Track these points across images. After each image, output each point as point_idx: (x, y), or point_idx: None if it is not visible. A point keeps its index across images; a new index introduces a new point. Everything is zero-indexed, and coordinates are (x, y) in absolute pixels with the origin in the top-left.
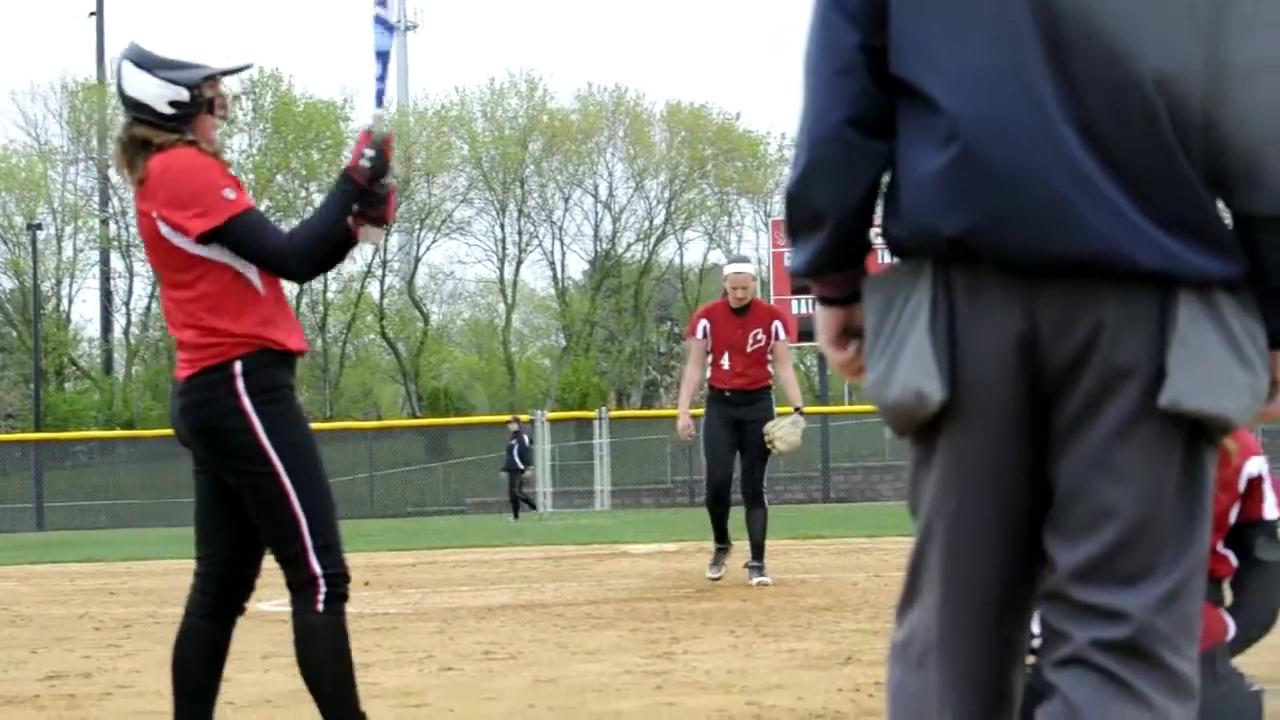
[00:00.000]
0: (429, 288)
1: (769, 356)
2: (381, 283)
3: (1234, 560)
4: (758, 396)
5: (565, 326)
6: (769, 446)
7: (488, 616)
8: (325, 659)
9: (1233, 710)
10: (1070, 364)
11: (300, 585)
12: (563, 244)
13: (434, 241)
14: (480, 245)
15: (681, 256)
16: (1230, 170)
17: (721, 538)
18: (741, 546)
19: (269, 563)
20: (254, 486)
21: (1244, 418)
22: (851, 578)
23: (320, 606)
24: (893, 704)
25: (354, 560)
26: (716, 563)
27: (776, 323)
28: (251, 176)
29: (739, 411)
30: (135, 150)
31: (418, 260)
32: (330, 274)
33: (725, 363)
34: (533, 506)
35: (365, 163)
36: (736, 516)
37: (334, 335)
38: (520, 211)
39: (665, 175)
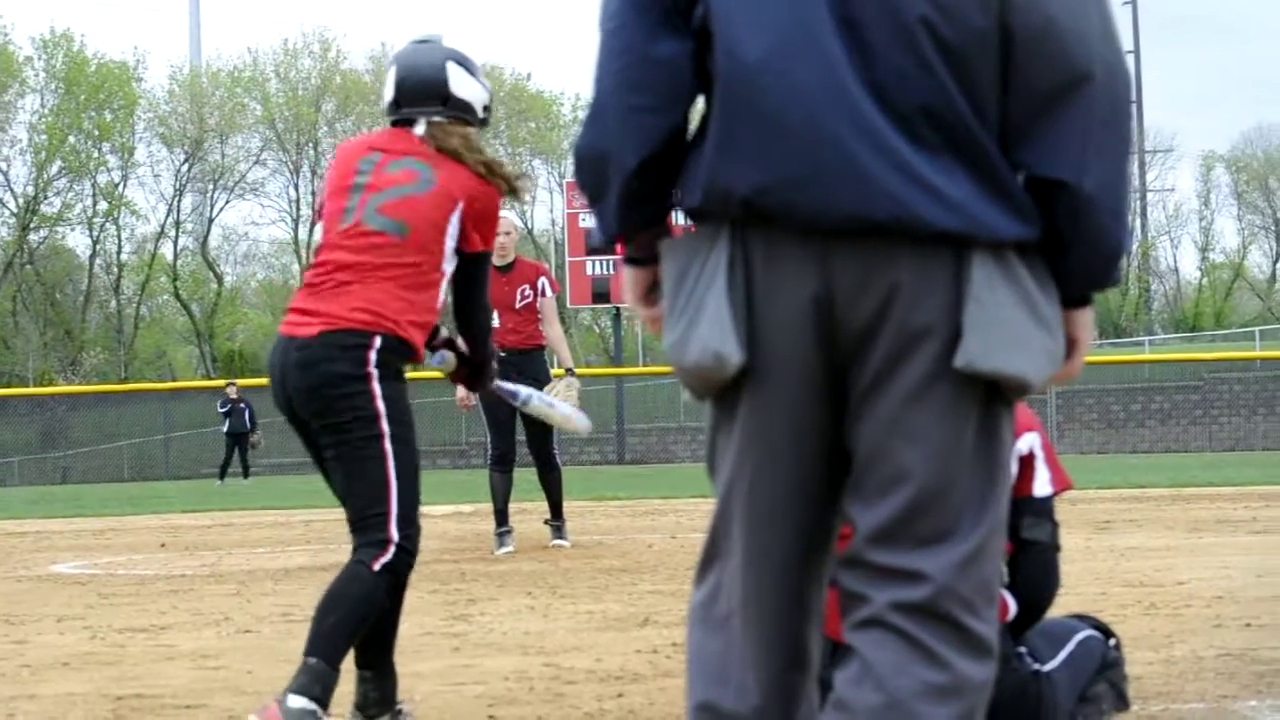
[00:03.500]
0: (223, 249)
1: (538, 314)
2: (175, 244)
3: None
4: (532, 356)
5: None
6: None
7: (285, 579)
8: (346, 602)
9: (1013, 691)
10: (866, 326)
11: (370, 543)
12: None
13: (227, 203)
14: (274, 206)
15: None
16: (1021, 132)
17: (502, 520)
18: (537, 508)
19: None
20: (357, 446)
21: (1040, 379)
22: (647, 539)
23: (376, 565)
24: (693, 663)
25: (149, 522)
26: (502, 543)
27: (542, 279)
28: (44, 137)
29: (514, 375)
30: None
31: (211, 221)
32: (124, 235)
33: (495, 322)
34: (245, 474)
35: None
36: (521, 488)
37: (128, 297)
38: (314, 172)
39: None
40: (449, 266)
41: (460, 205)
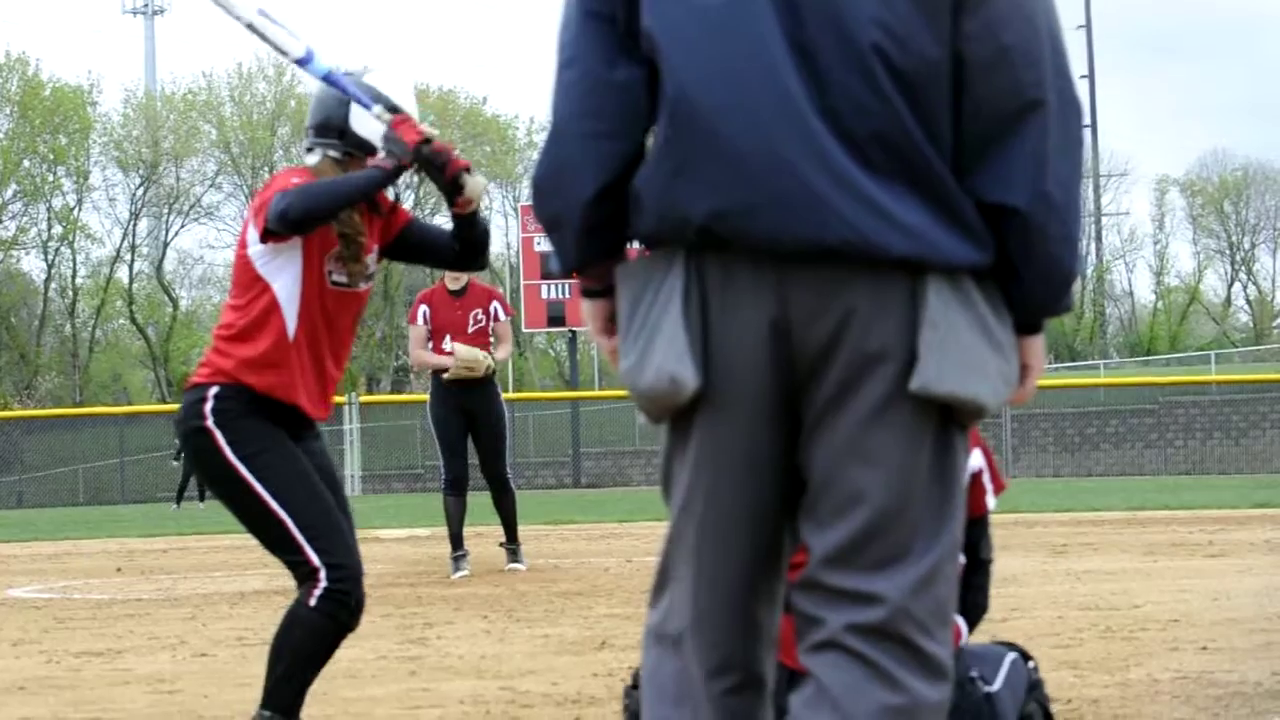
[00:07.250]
0: (178, 272)
1: (490, 338)
2: (130, 268)
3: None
4: (482, 379)
5: None
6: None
7: (240, 602)
8: (290, 648)
9: (970, 713)
10: (822, 350)
11: (303, 578)
12: None
13: (183, 226)
14: (229, 230)
15: None
16: (973, 159)
17: (457, 543)
18: (492, 531)
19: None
20: (230, 498)
21: (995, 402)
22: (604, 563)
23: (313, 601)
24: (649, 685)
25: (106, 546)
26: (458, 567)
27: (495, 303)
28: None
29: (466, 399)
30: None
31: (166, 245)
32: (79, 259)
33: (447, 345)
34: (201, 498)
35: (382, 152)
36: (476, 512)
37: (83, 321)
38: None
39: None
40: (276, 279)
41: (252, 218)
